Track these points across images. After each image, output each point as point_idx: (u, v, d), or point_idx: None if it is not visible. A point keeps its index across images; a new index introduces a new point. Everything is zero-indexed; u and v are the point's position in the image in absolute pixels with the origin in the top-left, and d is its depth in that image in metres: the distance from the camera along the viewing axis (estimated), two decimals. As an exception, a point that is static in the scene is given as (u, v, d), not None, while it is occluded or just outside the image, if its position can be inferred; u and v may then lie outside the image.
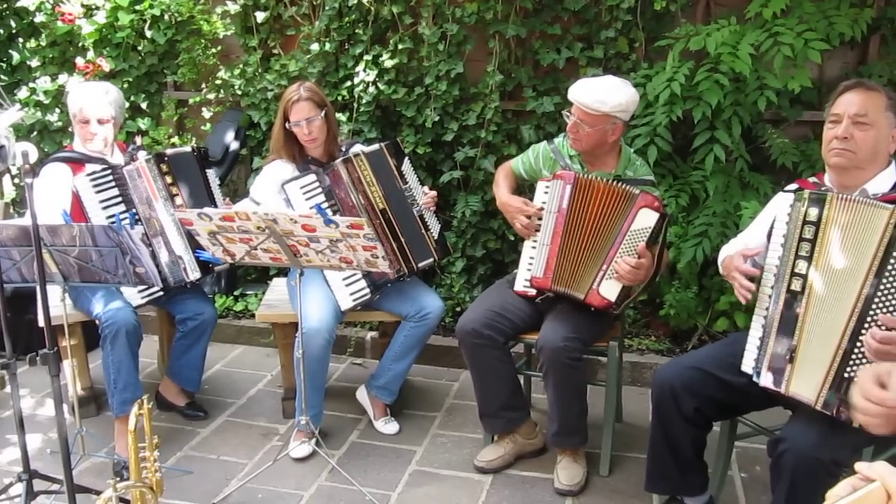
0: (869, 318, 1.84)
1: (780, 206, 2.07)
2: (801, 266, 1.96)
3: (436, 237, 2.99)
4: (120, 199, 2.84)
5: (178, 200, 2.89)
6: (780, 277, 2.01)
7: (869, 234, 1.86)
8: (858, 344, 1.85)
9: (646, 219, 2.49)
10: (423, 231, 2.95)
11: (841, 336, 1.88)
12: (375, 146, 2.93)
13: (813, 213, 1.95)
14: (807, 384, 1.94)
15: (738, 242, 2.35)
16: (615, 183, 2.57)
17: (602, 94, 2.57)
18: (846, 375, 1.86)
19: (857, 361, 1.86)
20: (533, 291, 2.71)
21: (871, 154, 2.04)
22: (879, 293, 1.83)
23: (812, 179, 2.22)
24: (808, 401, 1.93)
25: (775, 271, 2.03)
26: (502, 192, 2.86)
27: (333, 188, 2.84)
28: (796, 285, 1.97)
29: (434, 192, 3.03)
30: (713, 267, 3.00)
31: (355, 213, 2.82)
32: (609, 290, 2.54)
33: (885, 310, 1.82)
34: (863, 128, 2.02)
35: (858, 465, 0.90)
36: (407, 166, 2.98)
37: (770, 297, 2.04)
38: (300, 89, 2.87)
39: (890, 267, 1.82)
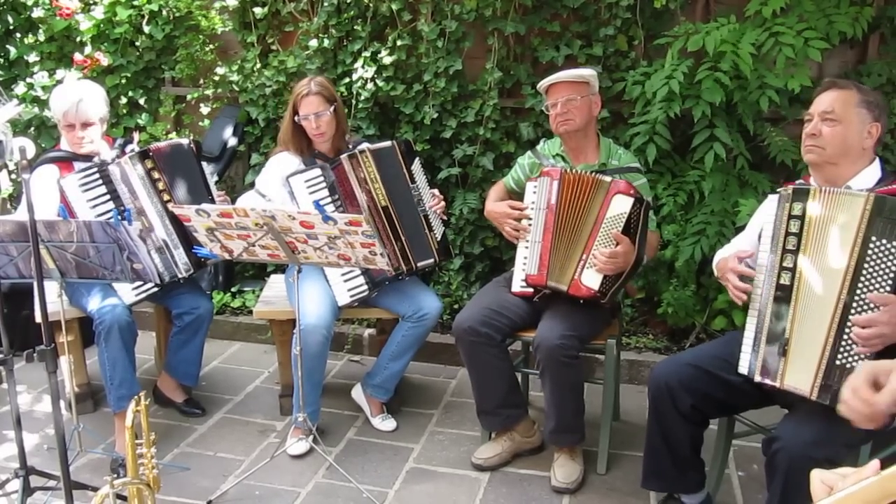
0: (855, 304, 1.87)
1: (770, 207, 2.11)
2: (789, 260, 2.00)
3: (438, 238, 2.98)
4: (108, 196, 2.81)
5: (167, 196, 2.86)
6: (770, 273, 2.04)
7: (851, 222, 1.89)
8: (847, 331, 1.88)
9: (620, 205, 2.51)
10: (426, 231, 2.94)
11: (829, 325, 1.91)
12: (387, 143, 2.90)
13: (797, 207, 1.99)
14: (800, 376, 1.95)
15: (732, 247, 2.37)
16: (595, 174, 2.59)
17: (569, 70, 2.79)
18: (837, 363, 1.89)
19: (848, 349, 1.88)
20: (531, 291, 2.71)
21: (841, 149, 2.06)
22: (863, 277, 1.86)
23: (799, 181, 2.25)
24: (803, 393, 1.94)
25: (766, 269, 2.06)
26: (488, 202, 2.92)
27: (337, 183, 2.83)
28: (785, 279, 2.01)
29: (441, 198, 2.99)
30: (711, 265, 3.01)
31: (358, 209, 2.81)
32: (591, 279, 2.55)
33: (870, 290, 1.86)
34: (830, 124, 2.06)
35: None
36: (417, 166, 2.95)
37: (761, 294, 2.06)
38: (311, 84, 2.88)
39: (869, 251, 1.86)
